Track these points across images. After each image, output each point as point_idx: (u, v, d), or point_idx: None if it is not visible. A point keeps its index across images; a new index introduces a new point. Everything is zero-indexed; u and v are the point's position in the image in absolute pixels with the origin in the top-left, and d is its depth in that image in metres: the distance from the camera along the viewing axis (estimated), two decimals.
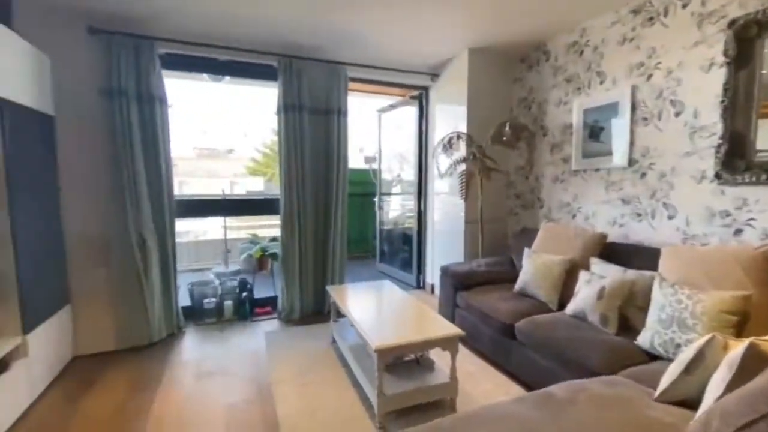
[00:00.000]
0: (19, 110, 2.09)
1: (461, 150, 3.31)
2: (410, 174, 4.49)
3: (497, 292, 2.69)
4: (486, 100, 3.49)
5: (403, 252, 4.76)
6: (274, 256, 3.48)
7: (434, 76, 3.84)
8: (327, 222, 3.43)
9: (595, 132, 2.82)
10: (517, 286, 2.68)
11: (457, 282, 2.90)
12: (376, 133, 5.15)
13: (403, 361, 2.21)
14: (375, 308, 2.53)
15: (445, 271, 3.04)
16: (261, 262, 3.47)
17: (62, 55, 2.54)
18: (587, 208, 2.92)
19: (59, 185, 2.55)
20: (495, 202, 3.61)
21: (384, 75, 3.69)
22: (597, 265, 2.35)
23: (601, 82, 2.78)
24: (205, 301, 3.27)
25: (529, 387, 2.19)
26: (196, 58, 3.10)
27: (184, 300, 3.32)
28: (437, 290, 3.85)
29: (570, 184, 3.06)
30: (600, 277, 2.20)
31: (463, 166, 3.23)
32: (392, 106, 4.66)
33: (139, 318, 2.78)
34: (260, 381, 2.37)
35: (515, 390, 2.23)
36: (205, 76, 3.57)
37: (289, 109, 3.21)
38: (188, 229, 5.96)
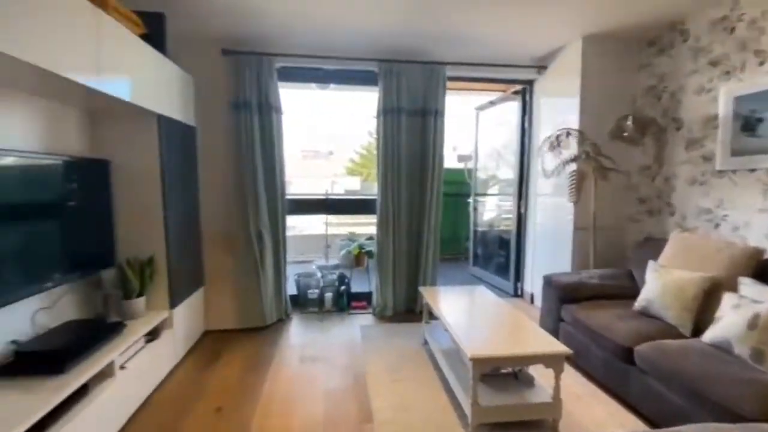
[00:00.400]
0: (171, 123, 2.52)
1: (571, 148, 3.01)
2: (508, 173, 4.26)
3: (612, 309, 2.39)
4: (602, 92, 3.11)
5: (499, 256, 4.53)
6: (370, 253, 3.62)
7: (540, 68, 3.56)
8: (421, 222, 3.44)
9: (750, 124, 2.31)
10: (638, 304, 2.34)
11: (563, 294, 2.65)
12: (471, 131, 5.00)
13: (499, 372, 2.10)
14: (470, 314, 2.46)
15: (549, 282, 2.81)
16: (358, 258, 3.64)
17: (203, 75, 2.98)
18: (736, 217, 2.42)
19: (199, 186, 3.02)
20: (612, 206, 3.20)
21: (484, 71, 3.55)
22: (749, 286, 1.93)
23: (761, 64, 2.26)
24: (309, 291, 3.56)
25: (650, 422, 1.90)
26: (306, 69, 3.39)
27: (291, 289, 3.67)
28: (537, 300, 3.58)
29: (712, 187, 2.56)
30: (753, 302, 1.80)
31: (573, 166, 2.94)
32: (492, 103, 4.47)
33: (255, 303, 3.14)
34: (356, 371, 2.49)
35: (631, 421, 1.96)
36: (313, 84, 3.88)
37: (388, 112, 3.29)
38: (293, 224, 6.56)
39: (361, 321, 3.36)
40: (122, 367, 1.94)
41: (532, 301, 3.77)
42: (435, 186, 3.42)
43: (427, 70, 3.33)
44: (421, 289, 2.89)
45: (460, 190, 5.72)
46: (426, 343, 2.79)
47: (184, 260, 2.69)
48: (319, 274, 3.65)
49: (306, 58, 3.25)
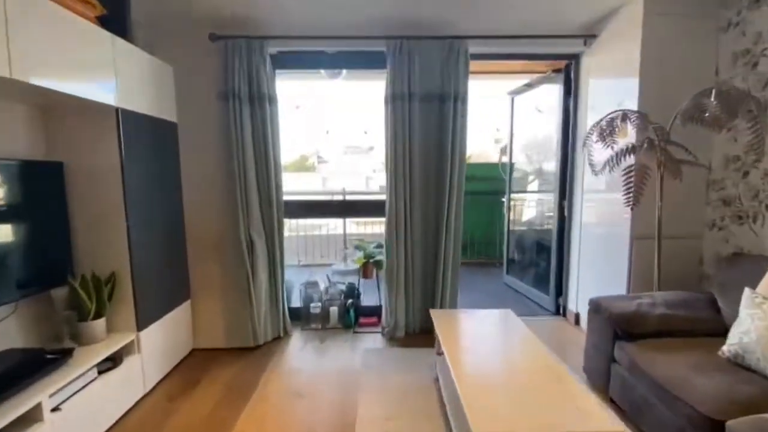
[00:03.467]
0: (137, 118, 2.18)
1: (629, 136, 2.35)
2: (550, 167, 3.59)
3: (688, 353, 1.74)
4: (671, 63, 2.41)
5: (539, 265, 3.88)
6: (378, 264, 3.14)
7: (588, 38, 2.87)
8: (438, 226, 2.91)
9: None
10: (728, 348, 1.68)
11: (619, 327, 2.01)
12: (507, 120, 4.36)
13: None
14: (488, 361, 1.89)
15: (598, 307, 2.18)
16: (365, 269, 3.18)
17: (185, 64, 2.65)
18: None
19: (181, 188, 2.71)
20: (685, 209, 2.50)
21: (515, 46, 2.91)
22: None
23: None
24: (312, 305, 3.15)
25: None
26: (305, 54, 2.98)
27: (297, 301, 3.30)
28: (584, 323, 2.95)
29: None
30: None
31: (631, 159, 2.28)
32: (529, 86, 3.81)
33: (245, 320, 2.77)
34: (345, 413, 2.05)
35: None
36: (322, 72, 3.45)
37: (397, 98, 2.79)
38: (320, 222, 6.19)
39: (368, 343, 2.90)
40: (56, 409, 1.64)
41: (577, 322, 3.10)
42: (455, 183, 2.87)
43: (445, 46, 2.78)
44: (433, 312, 2.37)
45: (498, 187, 5.07)
46: (438, 379, 2.29)
47: (159, 274, 2.38)
48: (322, 285, 3.23)
49: (303, 40, 2.82)
